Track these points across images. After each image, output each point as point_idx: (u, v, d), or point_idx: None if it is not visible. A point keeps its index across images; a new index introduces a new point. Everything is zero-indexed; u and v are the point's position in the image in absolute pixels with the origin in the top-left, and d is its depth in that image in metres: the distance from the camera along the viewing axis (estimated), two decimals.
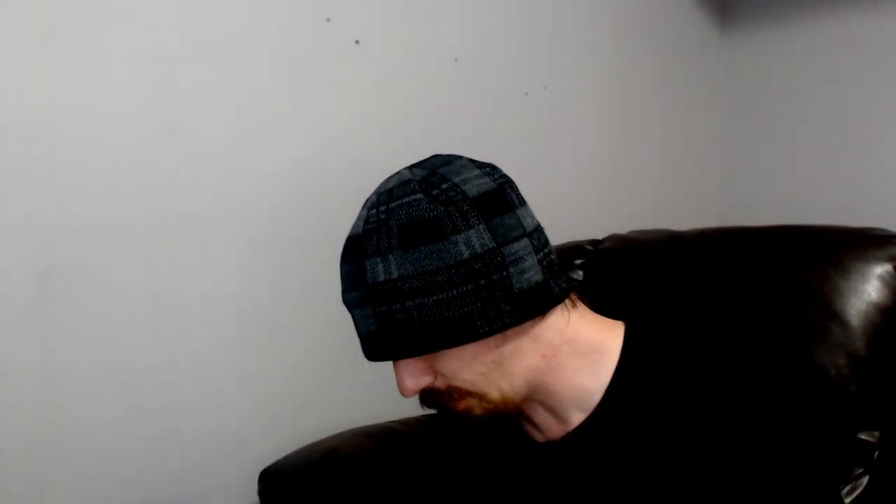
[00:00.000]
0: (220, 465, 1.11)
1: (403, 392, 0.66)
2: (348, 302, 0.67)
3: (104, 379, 1.01)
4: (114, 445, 1.02)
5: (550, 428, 0.72)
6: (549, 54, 1.44)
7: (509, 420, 0.71)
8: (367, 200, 0.69)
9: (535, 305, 0.64)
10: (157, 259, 1.03)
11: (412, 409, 1.30)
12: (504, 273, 0.62)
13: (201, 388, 1.09)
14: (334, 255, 1.19)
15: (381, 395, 1.28)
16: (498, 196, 0.65)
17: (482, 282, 0.61)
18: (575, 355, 0.68)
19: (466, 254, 0.61)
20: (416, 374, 0.66)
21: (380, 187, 0.68)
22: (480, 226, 0.63)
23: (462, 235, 0.62)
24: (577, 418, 0.69)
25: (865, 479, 0.88)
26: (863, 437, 0.89)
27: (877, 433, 0.90)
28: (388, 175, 0.70)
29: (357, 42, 1.19)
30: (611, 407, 0.67)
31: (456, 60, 1.30)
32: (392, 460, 1.08)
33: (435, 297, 0.61)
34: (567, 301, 0.67)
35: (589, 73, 1.51)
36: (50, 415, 0.97)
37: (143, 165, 1.01)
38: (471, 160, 0.68)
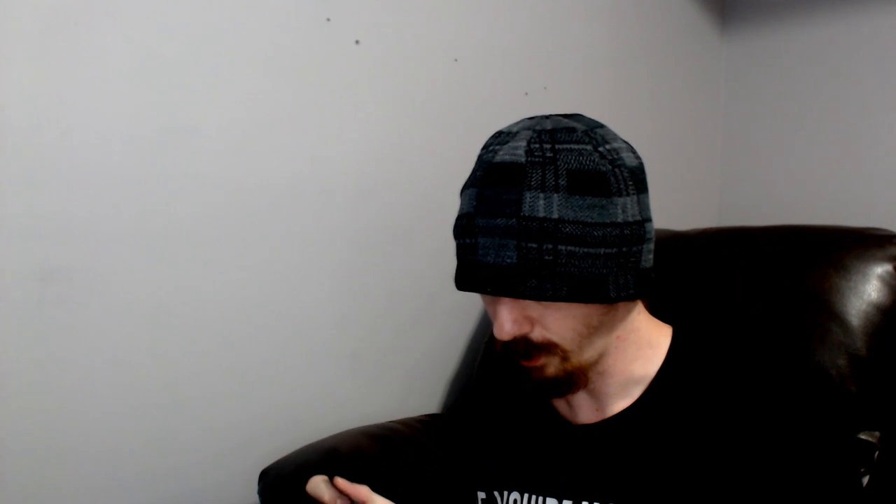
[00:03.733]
0: (220, 464, 1.11)
1: (500, 334, 0.65)
2: (481, 227, 0.63)
3: (104, 379, 1.00)
4: (114, 445, 1.02)
5: (587, 412, 0.73)
6: (549, 54, 1.44)
7: (555, 394, 0.71)
8: (512, 133, 0.66)
9: (647, 286, 0.66)
10: (157, 259, 1.03)
11: (412, 409, 1.31)
12: (640, 247, 0.64)
13: (201, 388, 1.09)
14: (334, 254, 1.20)
15: (381, 395, 1.28)
16: (642, 173, 0.67)
17: (624, 249, 0.63)
18: (634, 345, 0.70)
19: (621, 218, 0.62)
20: (519, 321, 0.65)
21: (530, 123, 0.66)
22: (634, 196, 0.64)
23: (622, 199, 0.63)
24: (616, 406, 0.71)
25: (865, 479, 0.88)
26: (863, 437, 0.90)
27: (877, 433, 0.90)
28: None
29: (357, 42, 1.19)
30: (652, 399, 0.69)
31: (456, 60, 1.30)
32: (392, 460, 1.08)
33: (586, 250, 0.61)
34: None
35: (589, 73, 1.51)
36: (50, 415, 0.97)
37: (143, 165, 1.01)
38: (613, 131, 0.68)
